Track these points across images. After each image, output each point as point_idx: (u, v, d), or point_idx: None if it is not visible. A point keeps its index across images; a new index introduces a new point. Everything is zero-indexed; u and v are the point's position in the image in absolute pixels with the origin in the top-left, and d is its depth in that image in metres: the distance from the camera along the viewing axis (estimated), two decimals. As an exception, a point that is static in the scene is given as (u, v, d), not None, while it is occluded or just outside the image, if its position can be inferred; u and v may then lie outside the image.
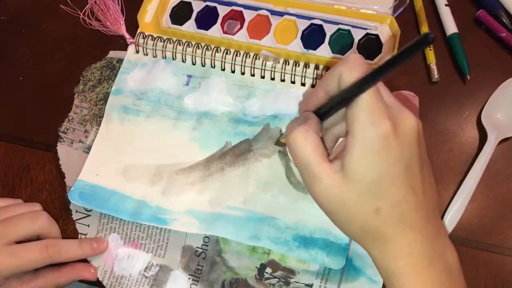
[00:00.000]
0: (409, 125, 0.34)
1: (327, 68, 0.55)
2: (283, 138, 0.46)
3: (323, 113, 0.38)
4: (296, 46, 0.56)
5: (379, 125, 0.33)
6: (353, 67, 0.35)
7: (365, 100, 0.33)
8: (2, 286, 0.47)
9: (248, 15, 0.58)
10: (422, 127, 0.36)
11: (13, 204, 0.53)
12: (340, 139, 0.40)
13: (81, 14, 0.62)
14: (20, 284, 0.48)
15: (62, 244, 0.50)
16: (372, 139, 0.33)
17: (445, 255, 0.37)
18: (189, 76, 0.57)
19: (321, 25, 0.56)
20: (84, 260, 0.52)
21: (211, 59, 0.57)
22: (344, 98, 0.35)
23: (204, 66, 0.57)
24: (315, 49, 0.55)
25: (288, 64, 0.55)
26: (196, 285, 0.50)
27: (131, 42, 0.60)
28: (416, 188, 0.35)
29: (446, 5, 0.57)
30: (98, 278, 0.52)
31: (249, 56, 0.56)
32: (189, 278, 0.51)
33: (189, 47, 0.58)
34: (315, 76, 0.55)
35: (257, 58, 0.56)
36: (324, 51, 0.55)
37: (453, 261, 0.37)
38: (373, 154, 0.33)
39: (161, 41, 0.58)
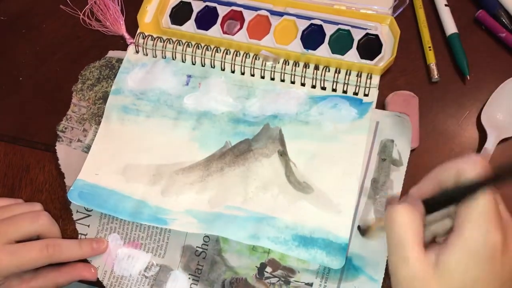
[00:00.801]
0: None
1: (327, 68, 0.55)
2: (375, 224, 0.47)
3: (431, 204, 0.36)
4: (296, 46, 0.56)
5: (492, 233, 0.32)
6: (476, 165, 0.33)
7: (484, 203, 0.32)
8: (2, 285, 0.47)
9: (248, 15, 0.58)
10: None
11: (13, 204, 0.53)
12: (436, 239, 0.38)
13: (81, 14, 0.62)
14: (20, 284, 0.48)
15: (63, 244, 0.50)
16: (481, 244, 0.32)
17: None
18: (189, 76, 0.57)
19: (320, 25, 0.56)
20: (84, 260, 0.52)
21: (211, 59, 0.57)
22: (461, 196, 0.33)
23: (204, 66, 0.57)
24: (315, 49, 0.55)
25: (288, 64, 0.55)
26: (196, 284, 0.50)
27: (131, 42, 0.60)
28: None
29: (446, 5, 0.57)
30: (98, 278, 0.52)
31: (249, 56, 0.56)
32: (189, 278, 0.51)
33: (189, 47, 0.58)
34: (315, 76, 0.55)
35: (257, 58, 0.56)
36: (324, 51, 0.55)
37: None
38: (476, 260, 0.32)
39: (161, 41, 0.58)
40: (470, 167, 0.33)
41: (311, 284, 0.49)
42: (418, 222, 0.34)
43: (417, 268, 0.33)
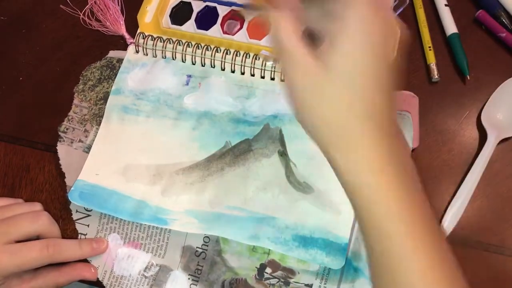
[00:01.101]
0: (396, 34, 0.34)
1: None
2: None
3: None
4: (296, 46, 0.56)
5: (378, 23, 0.32)
6: None
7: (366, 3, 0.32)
8: (2, 285, 0.47)
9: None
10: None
11: (13, 204, 0.53)
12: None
13: (81, 14, 0.62)
14: (20, 283, 0.48)
15: (63, 244, 0.50)
16: (367, 37, 0.32)
17: (401, 153, 0.35)
18: (189, 76, 0.57)
19: (321, 25, 0.56)
20: (84, 260, 0.52)
21: (211, 59, 0.57)
22: None
23: (204, 66, 0.57)
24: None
25: (288, 64, 0.55)
26: (196, 285, 0.50)
27: (131, 42, 0.60)
28: (391, 91, 0.34)
29: (446, 5, 0.57)
30: (98, 278, 0.52)
31: (249, 56, 0.56)
32: (188, 278, 0.51)
33: (189, 47, 0.58)
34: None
35: (257, 58, 0.56)
36: (324, 51, 0.55)
37: (409, 160, 0.35)
38: (363, 52, 0.32)
39: (161, 41, 0.58)
40: None
41: (310, 285, 0.49)
42: (298, 25, 0.34)
43: (309, 66, 0.33)
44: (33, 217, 0.50)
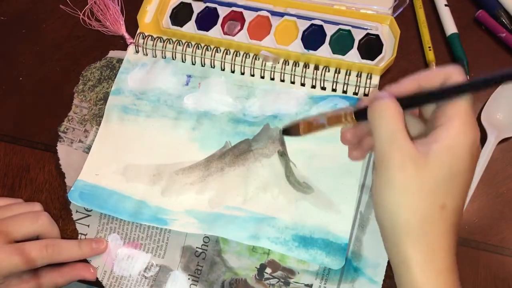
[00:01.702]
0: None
1: (326, 68, 0.55)
2: (327, 120, 0.41)
3: (405, 103, 0.36)
4: (296, 46, 0.56)
5: (475, 130, 0.34)
6: (462, 75, 0.35)
7: (467, 104, 0.34)
8: (1, 285, 0.47)
9: (249, 16, 0.58)
10: None
11: (13, 204, 0.53)
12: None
13: (81, 14, 0.62)
14: (19, 283, 0.48)
15: (62, 244, 0.50)
16: (468, 139, 0.34)
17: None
18: (189, 76, 0.57)
19: (321, 26, 0.56)
20: (84, 260, 0.52)
21: (211, 59, 0.57)
22: (449, 94, 0.35)
23: (203, 66, 0.58)
24: (315, 49, 0.55)
25: (288, 64, 0.55)
26: (196, 285, 0.50)
27: (131, 42, 0.60)
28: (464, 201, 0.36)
29: (445, 5, 0.57)
30: (97, 278, 0.52)
31: (249, 56, 0.56)
32: (188, 279, 0.51)
33: (188, 47, 0.58)
34: (314, 76, 0.55)
35: (257, 58, 0.56)
36: (324, 52, 0.55)
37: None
38: (463, 153, 0.34)
39: (160, 41, 0.58)
40: (457, 73, 0.35)
41: (310, 286, 0.49)
42: (403, 114, 0.35)
43: (411, 154, 0.34)
44: (33, 217, 0.50)
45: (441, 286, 0.34)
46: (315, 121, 0.41)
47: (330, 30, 0.56)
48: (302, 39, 0.56)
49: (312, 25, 0.56)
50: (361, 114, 0.38)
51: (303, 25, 0.56)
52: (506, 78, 0.33)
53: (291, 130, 0.43)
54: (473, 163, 0.35)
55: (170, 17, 0.59)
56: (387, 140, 0.35)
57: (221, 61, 0.57)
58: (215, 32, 0.57)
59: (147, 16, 0.60)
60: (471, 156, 0.34)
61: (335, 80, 0.54)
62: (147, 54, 0.59)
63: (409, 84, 0.37)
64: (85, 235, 0.53)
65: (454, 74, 0.35)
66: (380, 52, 0.54)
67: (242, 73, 0.57)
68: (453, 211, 0.35)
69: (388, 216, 0.35)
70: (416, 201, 0.34)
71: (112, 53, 0.60)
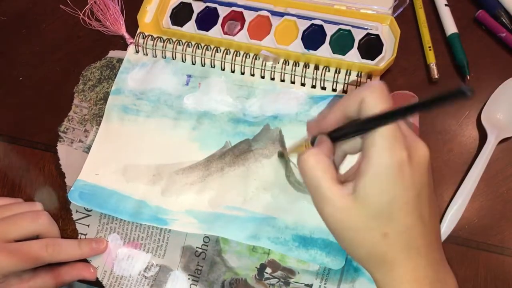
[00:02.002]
0: (422, 154, 0.35)
1: (327, 68, 0.55)
2: (289, 151, 0.47)
3: (337, 136, 0.37)
4: (296, 46, 0.56)
5: (396, 153, 0.33)
6: (378, 95, 0.34)
7: (386, 129, 0.33)
8: (1, 284, 0.47)
9: (249, 15, 0.58)
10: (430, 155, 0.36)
11: (13, 203, 0.53)
12: (349, 157, 0.40)
13: (81, 14, 0.62)
14: (19, 283, 0.48)
15: (62, 244, 0.50)
16: (388, 165, 0.33)
17: (446, 282, 0.37)
18: (189, 76, 0.57)
19: (321, 25, 0.56)
20: (84, 260, 0.52)
21: (211, 59, 0.57)
22: (366, 127, 0.35)
23: (204, 66, 0.57)
24: (315, 49, 0.55)
25: (288, 64, 0.55)
26: (196, 285, 0.50)
27: (131, 42, 0.60)
28: (424, 215, 0.35)
29: (446, 5, 0.57)
30: (98, 278, 0.52)
31: (249, 56, 0.56)
32: (188, 279, 0.51)
33: (189, 47, 0.58)
34: (315, 76, 0.55)
35: (257, 58, 0.56)
36: (325, 52, 0.55)
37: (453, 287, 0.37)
38: (387, 179, 0.34)
39: (161, 41, 0.58)
40: (372, 97, 0.34)
41: (310, 285, 0.49)
42: (327, 162, 0.36)
43: (337, 202, 0.35)
44: (32, 217, 0.50)
45: None
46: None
47: (330, 30, 0.56)
48: (302, 39, 0.56)
49: (312, 25, 0.56)
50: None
51: (303, 25, 0.56)
52: (413, 109, 0.32)
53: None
54: (408, 181, 0.34)
55: (170, 17, 0.59)
56: (314, 192, 0.36)
57: (221, 61, 0.57)
58: (215, 32, 0.57)
59: (147, 16, 0.60)
60: (402, 177, 0.34)
61: (335, 80, 0.54)
62: (147, 54, 0.59)
63: (334, 116, 0.37)
64: (85, 235, 0.53)
65: (367, 96, 0.34)
66: (380, 52, 0.54)
67: (242, 73, 0.57)
68: (399, 234, 0.35)
69: (349, 252, 0.38)
70: (359, 241, 0.36)
71: (112, 53, 0.60)
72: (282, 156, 0.52)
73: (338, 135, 0.37)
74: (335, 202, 0.35)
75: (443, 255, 0.38)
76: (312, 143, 0.40)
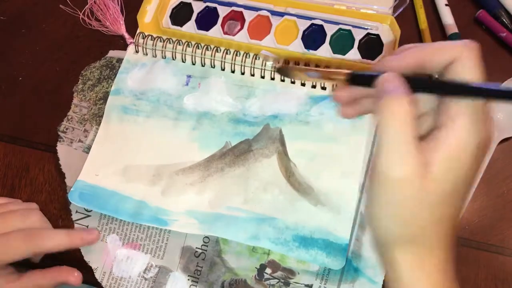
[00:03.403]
0: (490, 140, 0.33)
1: (327, 67, 0.55)
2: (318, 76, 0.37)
3: (412, 85, 0.31)
4: (297, 46, 0.56)
5: (484, 131, 0.31)
6: (477, 59, 0.31)
7: (480, 103, 0.30)
8: None
9: (249, 15, 0.57)
10: None
11: (10, 203, 0.53)
12: None
13: (81, 14, 0.62)
14: (3, 284, 0.47)
15: (46, 232, 0.48)
16: (475, 141, 0.30)
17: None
18: (189, 76, 0.57)
19: (321, 25, 0.56)
20: (80, 261, 0.51)
21: (211, 59, 0.57)
22: (456, 91, 0.30)
23: (203, 66, 0.57)
24: (316, 49, 0.55)
25: (288, 64, 0.55)
26: (196, 286, 0.50)
27: (130, 42, 0.59)
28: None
29: (446, 5, 0.57)
30: (97, 279, 0.51)
31: (249, 56, 0.56)
32: (188, 279, 0.51)
33: (188, 47, 0.58)
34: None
35: (257, 58, 0.56)
36: (325, 51, 0.55)
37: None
38: (470, 157, 0.31)
39: (160, 41, 0.58)
40: (470, 58, 0.30)
41: (310, 286, 0.49)
42: (413, 112, 0.31)
43: (415, 166, 0.30)
44: (23, 214, 0.49)
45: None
46: (309, 72, 0.39)
47: (330, 29, 0.56)
48: (302, 39, 0.56)
49: (312, 24, 0.56)
50: (359, 80, 0.34)
51: (303, 24, 0.56)
52: None
53: (284, 72, 0.43)
54: (476, 167, 0.32)
55: (170, 17, 0.59)
56: (394, 151, 0.31)
57: (221, 61, 0.57)
58: (215, 32, 0.57)
59: (147, 16, 0.60)
60: (478, 158, 0.31)
61: (335, 80, 0.54)
62: (147, 54, 0.59)
63: (412, 58, 0.32)
64: (85, 235, 0.53)
65: (464, 56, 0.30)
66: (381, 51, 0.54)
67: (242, 73, 0.56)
68: (449, 220, 0.33)
69: (383, 226, 0.33)
70: (414, 215, 0.32)
71: (112, 53, 0.60)
72: (283, 155, 0.52)
73: (413, 84, 0.31)
74: (412, 165, 0.30)
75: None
76: (352, 77, 0.35)
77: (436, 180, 0.31)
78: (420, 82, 0.32)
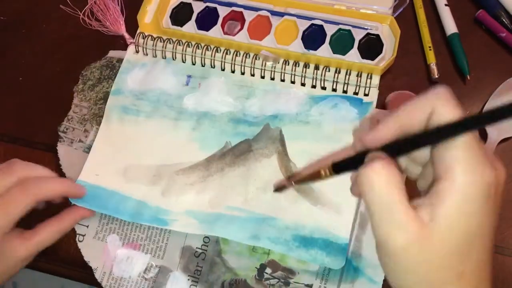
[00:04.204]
0: (503, 177, 0.30)
1: (327, 68, 0.55)
2: (300, 179, 0.39)
3: (397, 151, 0.31)
4: (296, 46, 0.56)
5: (486, 170, 0.28)
6: (451, 103, 0.29)
7: (468, 143, 0.28)
8: (4, 244, 0.45)
9: (249, 15, 0.57)
10: None
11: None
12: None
13: (81, 14, 0.62)
14: (17, 246, 0.46)
15: (38, 180, 0.47)
16: (478, 187, 0.28)
17: None
18: (189, 76, 0.57)
19: (321, 25, 0.56)
20: (80, 262, 0.52)
21: (211, 59, 0.57)
22: (438, 136, 0.29)
23: (204, 66, 0.57)
24: (315, 49, 0.55)
25: (288, 64, 0.55)
26: (196, 286, 0.50)
27: (131, 42, 0.59)
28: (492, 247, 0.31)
29: (446, 5, 0.57)
30: (97, 280, 0.51)
31: (249, 56, 0.56)
32: (188, 279, 0.51)
33: (189, 47, 0.58)
34: (315, 76, 0.55)
35: (257, 58, 0.56)
36: (325, 51, 0.55)
37: None
38: (477, 203, 0.28)
39: (161, 41, 0.58)
40: (445, 106, 0.29)
41: (310, 286, 0.49)
42: (400, 177, 0.29)
43: (414, 230, 0.28)
44: (5, 170, 0.48)
45: None
46: (298, 176, 0.40)
47: (330, 30, 0.56)
48: (302, 39, 0.56)
49: (312, 25, 0.56)
50: (341, 167, 0.34)
51: (303, 25, 0.56)
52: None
53: (281, 189, 0.45)
54: (493, 208, 0.29)
55: (170, 17, 0.59)
56: (383, 218, 0.29)
57: (221, 61, 0.57)
58: (215, 32, 0.57)
59: (147, 16, 0.60)
60: (489, 202, 0.29)
61: (335, 80, 0.54)
62: (147, 54, 0.59)
63: (391, 131, 0.31)
64: (84, 235, 0.53)
65: (438, 105, 0.29)
66: (381, 52, 0.54)
67: (242, 73, 0.57)
68: (473, 273, 0.30)
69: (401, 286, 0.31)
70: (427, 278, 0.30)
71: (112, 53, 0.60)
72: (283, 155, 0.52)
73: (392, 150, 0.30)
74: (411, 230, 0.28)
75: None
76: (335, 168, 0.34)
77: (442, 239, 0.29)
78: (397, 146, 0.31)
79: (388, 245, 0.29)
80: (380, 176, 0.29)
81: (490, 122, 0.27)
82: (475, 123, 0.28)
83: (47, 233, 0.48)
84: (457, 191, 0.28)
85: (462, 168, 0.28)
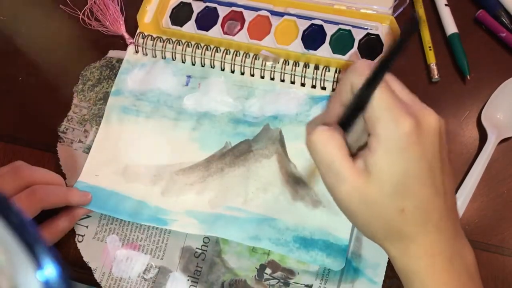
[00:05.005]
0: (431, 122, 0.34)
1: (327, 68, 0.54)
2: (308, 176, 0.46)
3: (343, 124, 0.36)
4: (296, 46, 0.56)
5: (402, 122, 0.32)
6: (362, 72, 0.34)
7: (381, 100, 0.33)
8: None
9: (248, 15, 0.57)
10: (444, 125, 0.35)
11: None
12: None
13: (81, 14, 0.62)
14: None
15: (46, 189, 0.48)
16: (397, 137, 0.33)
17: (464, 255, 0.37)
18: (189, 77, 0.57)
19: (321, 25, 0.56)
20: (80, 262, 0.52)
21: (211, 59, 0.57)
22: (359, 103, 0.34)
23: (203, 66, 0.57)
24: (315, 49, 0.55)
25: (288, 64, 0.55)
26: (195, 286, 0.50)
27: (130, 42, 0.59)
28: (439, 188, 0.35)
29: (446, 5, 0.57)
30: (97, 280, 0.51)
31: (249, 56, 0.56)
32: (188, 280, 0.50)
33: (188, 47, 0.58)
34: (315, 76, 0.55)
35: (257, 58, 0.56)
36: (325, 51, 0.55)
37: (472, 261, 0.37)
38: (398, 152, 0.33)
39: (160, 41, 0.58)
40: (357, 76, 0.34)
41: (310, 286, 0.49)
42: (341, 139, 0.35)
43: (352, 179, 0.34)
44: (11, 173, 0.48)
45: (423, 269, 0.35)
46: None
47: (330, 30, 0.56)
48: (302, 39, 0.56)
49: (312, 25, 0.56)
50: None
51: (303, 25, 0.56)
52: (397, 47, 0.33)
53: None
54: (418, 152, 0.33)
55: (170, 17, 0.59)
56: (326, 170, 0.35)
57: (221, 61, 0.57)
58: (215, 32, 0.57)
59: (147, 16, 0.60)
60: (412, 149, 0.33)
61: (335, 80, 0.54)
62: (146, 54, 0.59)
63: (335, 108, 0.37)
64: (83, 236, 0.53)
65: (354, 78, 0.34)
66: (381, 51, 0.54)
67: (242, 73, 0.56)
68: (415, 209, 0.34)
69: (364, 232, 0.38)
70: (374, 218, 0.35)
71: (112, 53, 0.60)
72: (283, 156, 0.52)
73: (342, 122, 0.36)
74: (350, 179, 0.34)
75: (459, 227, 0.37)
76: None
77: (377, 183, 0.34)
78: (341, 120, 0.36)
79: (335, 194, 0.35)
80: (320, 137, 0.35)
81: (384, 69, 0.33)
82: (374, 78, 0.33)
83: (47, 234, 0.48)
84: (380, 145, 0.33)
85: (381, 125, 0.33)
